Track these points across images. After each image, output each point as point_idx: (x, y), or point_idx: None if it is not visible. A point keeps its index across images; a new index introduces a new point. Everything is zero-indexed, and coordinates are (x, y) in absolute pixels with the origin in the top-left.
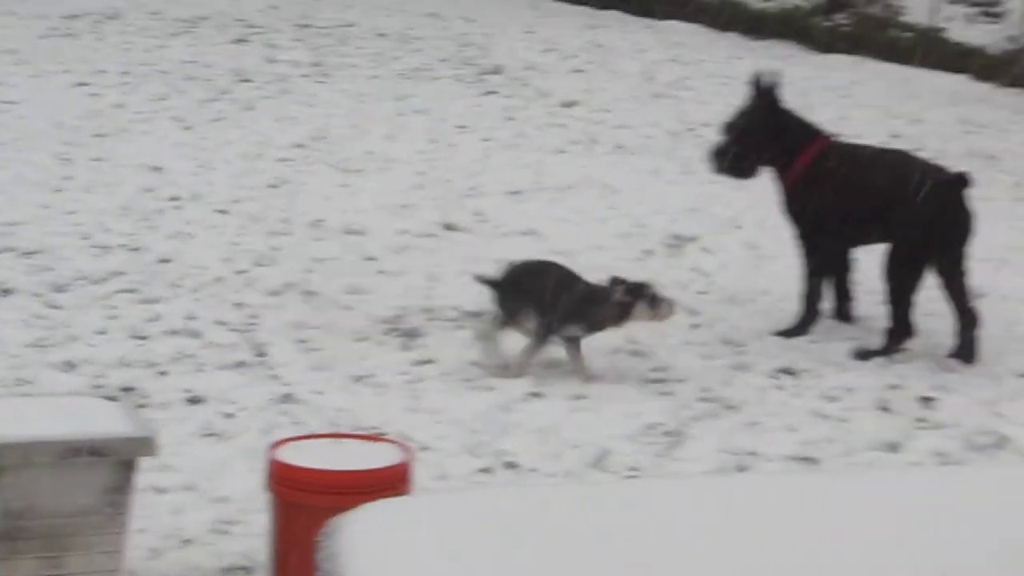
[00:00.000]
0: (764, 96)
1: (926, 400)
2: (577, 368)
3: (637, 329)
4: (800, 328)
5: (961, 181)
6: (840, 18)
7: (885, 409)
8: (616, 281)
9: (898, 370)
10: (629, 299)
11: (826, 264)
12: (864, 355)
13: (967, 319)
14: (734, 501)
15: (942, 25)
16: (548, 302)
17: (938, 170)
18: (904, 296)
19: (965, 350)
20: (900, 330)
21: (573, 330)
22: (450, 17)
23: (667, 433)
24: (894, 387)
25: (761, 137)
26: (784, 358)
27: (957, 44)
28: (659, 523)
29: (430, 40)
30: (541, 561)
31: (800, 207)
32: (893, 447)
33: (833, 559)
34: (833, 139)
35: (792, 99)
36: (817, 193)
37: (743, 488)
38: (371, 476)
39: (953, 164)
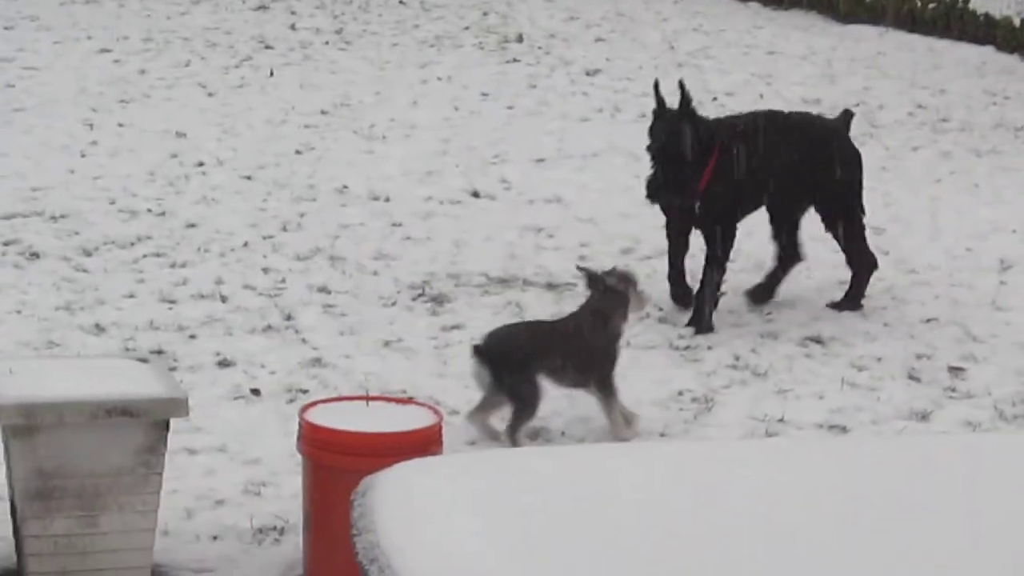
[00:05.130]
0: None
1: (955, 370)
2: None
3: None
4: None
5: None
6: None
7: (914, 379)
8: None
9: (926, 339)
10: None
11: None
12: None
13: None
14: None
15: None
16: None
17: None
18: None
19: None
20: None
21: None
22: None
23: (696, 400)
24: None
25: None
26: (812, 327)
27: (982, 15)
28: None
29: (452, 8)
30: (570, 519)
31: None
32: (923, 416)
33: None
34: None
35: (817, 69)
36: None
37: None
38: (403, 438)
39: (981, 136)
